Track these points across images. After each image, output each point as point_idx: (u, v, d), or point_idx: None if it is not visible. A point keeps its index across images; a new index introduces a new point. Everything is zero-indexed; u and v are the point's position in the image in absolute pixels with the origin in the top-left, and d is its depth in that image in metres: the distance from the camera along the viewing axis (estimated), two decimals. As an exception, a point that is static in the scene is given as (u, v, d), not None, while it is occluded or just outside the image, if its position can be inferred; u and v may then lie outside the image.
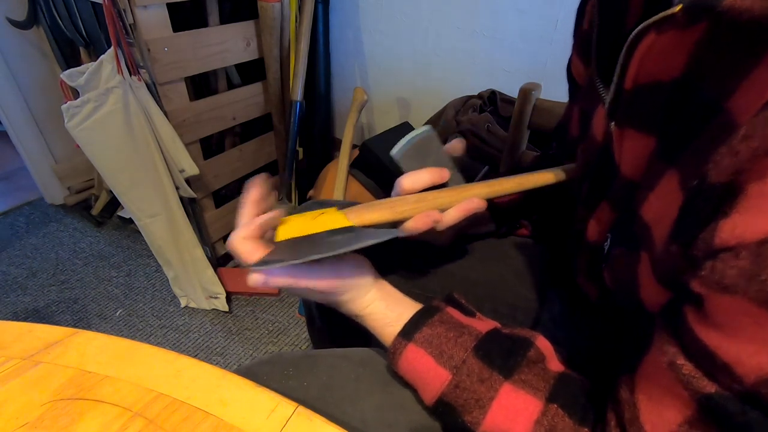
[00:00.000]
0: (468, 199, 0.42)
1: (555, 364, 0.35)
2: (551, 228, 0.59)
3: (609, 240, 0.35)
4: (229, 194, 1.38)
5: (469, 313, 0.40)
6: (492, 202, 0.57)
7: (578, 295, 0.45)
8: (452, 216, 0.41)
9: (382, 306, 0.39)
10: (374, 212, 0.39)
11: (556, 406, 0.31)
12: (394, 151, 0.43)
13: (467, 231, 0.57)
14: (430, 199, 0.41)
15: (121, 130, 0.99)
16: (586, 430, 0.30)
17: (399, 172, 0.43)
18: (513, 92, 0.81)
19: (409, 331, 0.36)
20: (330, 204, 0.42)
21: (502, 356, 0.34)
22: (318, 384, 0.38)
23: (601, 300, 0.41)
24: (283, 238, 0.37)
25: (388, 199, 0.42)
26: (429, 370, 0.34)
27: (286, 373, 0.39)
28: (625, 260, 0.31)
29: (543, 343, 0.36)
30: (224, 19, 1.15)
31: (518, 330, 0.37)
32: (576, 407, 0.31)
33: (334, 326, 0.61)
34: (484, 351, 0.34)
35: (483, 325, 0.38)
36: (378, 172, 1.18)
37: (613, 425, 0.28)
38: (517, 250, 0.58)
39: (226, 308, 1.27)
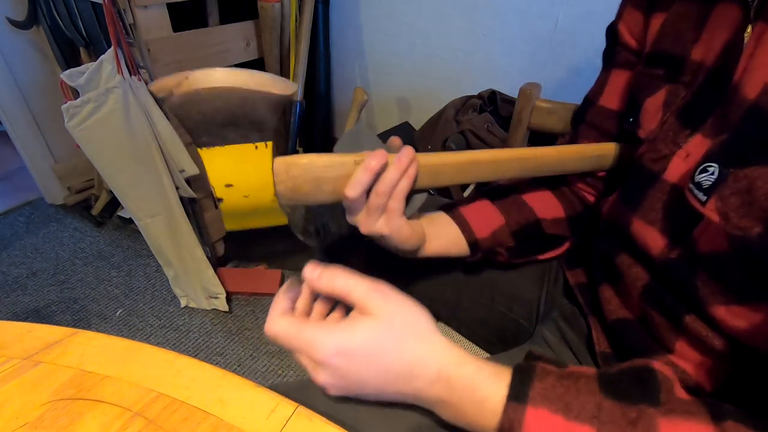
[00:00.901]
0: (403, 151, 0.38)
1: (681, 391, 0.30)
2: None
3: (716, 168, 0.32)
4: (229, 194, 1.38)
5: (560, 365, 0.34)
6: (472, 236, 0.50)
7: (616, 269, 0.42)
8: (392, 174, 0.37)
9: (472, 367, 0.31)
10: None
11: (730, 422, 0.26)
12: (335, 147, 0.43)
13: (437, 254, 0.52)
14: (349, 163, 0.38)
15: (121, 130, 0.99)
16: None
17: None
18: (513, 92, 0.81)
19: (519, 392, 0.29)
20: None
21: (637, 389, 0.29)
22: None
23: (668, 251, 0.37)
24: None
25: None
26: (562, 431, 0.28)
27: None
28: (765, 175, 0.29)
29: (662, 367, 0.32)
30: (224, 19, 1.15)
31: (627, 363, 0.33)
32: (748, 420, 0.26)
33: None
34: (613, 389, 0.29)
35: (585, 369, 0.32)
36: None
37: None
38: None
39: (226, 308, 1.27)
